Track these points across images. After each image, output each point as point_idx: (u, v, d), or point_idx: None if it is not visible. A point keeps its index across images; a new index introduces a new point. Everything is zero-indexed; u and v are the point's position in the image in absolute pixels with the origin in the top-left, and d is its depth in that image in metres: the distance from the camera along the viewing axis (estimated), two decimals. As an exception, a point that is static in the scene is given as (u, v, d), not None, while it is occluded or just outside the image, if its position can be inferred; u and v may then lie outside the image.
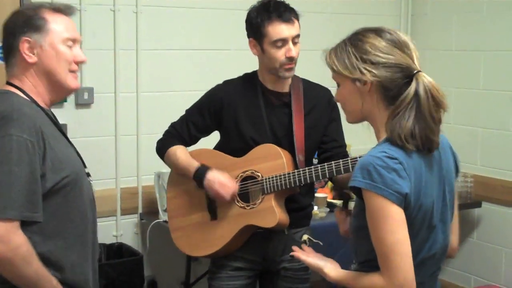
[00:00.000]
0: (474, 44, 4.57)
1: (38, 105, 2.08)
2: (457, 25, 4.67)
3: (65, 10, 2.14)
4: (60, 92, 2.16)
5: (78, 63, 2.14)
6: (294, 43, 2.80)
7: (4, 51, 2.13)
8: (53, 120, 2.14)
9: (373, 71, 1.86)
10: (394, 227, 1.79)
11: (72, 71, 2.12)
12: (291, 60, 2.79)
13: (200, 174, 2.86)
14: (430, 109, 1.84)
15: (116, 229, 4.06)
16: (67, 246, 2.06)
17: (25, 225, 1.94)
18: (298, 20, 2.84)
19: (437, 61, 4.74)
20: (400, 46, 1.89)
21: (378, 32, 1.91)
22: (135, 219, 4.14)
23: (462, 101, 4.62)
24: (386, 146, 1.86)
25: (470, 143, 4.58)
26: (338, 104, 2.07)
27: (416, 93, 1.83)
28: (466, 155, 4.54)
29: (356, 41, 1.90)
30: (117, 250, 3.93)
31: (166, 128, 3.09)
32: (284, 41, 2.78)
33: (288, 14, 2.79)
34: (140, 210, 4.13)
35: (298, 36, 2.82)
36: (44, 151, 1.97)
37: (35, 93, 2.09)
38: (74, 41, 2.13)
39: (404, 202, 1.81)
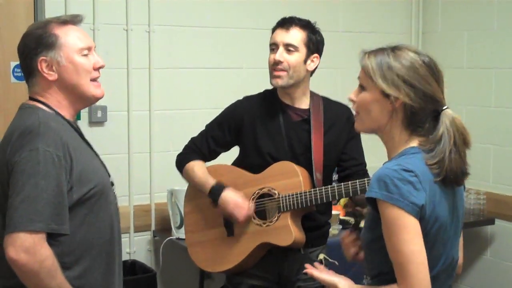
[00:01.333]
0: (486, 62, 4.57)
1: (63, 118, 2.11)
2: (468, 43, 4.68)
3: (73, 20, 2.16)
4: (84, 103, 2.20)
5: (98, 69, 2.17)
6: (288, 51, 2.82)
7: (24, 73, 2.16)
8: (79, 132, 2.16)
9: (410, 93, 1.88)
10: (410, 237, 1.81)
11: (93, 80, 2.15)
12: (277, 64, 2.81)
13: (215, 192, 2.88)
14: (461, 145, 1.90)
15: (129, 246, 4.07)
16: (93, 256, 2.08)
17: (53, 236, 1.96)
18: (306, 31, 2.85)
19: (448, 78, 4.66)
20: (438, 77, 1.93)
21: (420, 55, 1.93)
22: (148, 236, 4.15)
23: (474, 119, 4.62)
24: (402, 160, 1.88)
25: (483, 160, 4.57)
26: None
27: (450, 129, 1.89)
28: (478, 172, 4.53)
29: (400, 58, 1.91)
30: (130, 267, 3.94)
31: (179, 145, 3.11)
32: (276, 46, 2.83)
33: (287, 24, 2.84)
34: (153, 227, 4.13)
35: (292, 45, 2.82)
36: (70, 164, 1.99)
37: (59, 107, 2.12)
38: (89, 49, 2.15)
39: (420, 213, 1.83)
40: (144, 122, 4.08)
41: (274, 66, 2.82)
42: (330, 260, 2.92)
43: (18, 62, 3.60)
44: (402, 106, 1.90)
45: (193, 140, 3.06)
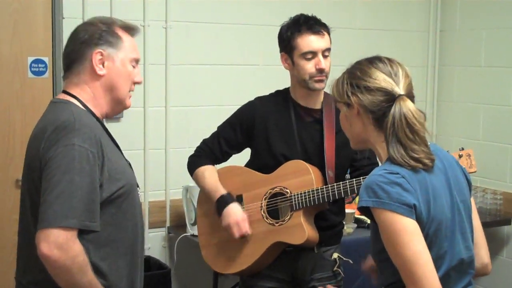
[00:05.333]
0: (504, 60, 4.54)
1: (94, 115, 2.12)
2: (486, 41, 4.65)
3: (133, 31, 2.20)
4: (117, 108, 2.21)
5: (136, 83, 2.20)
6: (324, 56, 2.81)
7: (67, 58, 2.15)
8: (107, 131, 2.17)
9: (358, 94, 1.93)
10: (409, 238, 1.79)
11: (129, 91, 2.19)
12: (321, 72, 2.79)
13: (222, 203, 2.89)
14: (405, 131, 1.88)
15: (144, 244, 4.08)
16: (119, 254, 2.09)
17: (81, 233, 1.96)
18: (329, 34, 2.85)
19: (466, 77, 4.71)
20: (389, 73, 1.93)
21: (371, 59, 1.98)
22: (163, 233, 4.16)
23: (491, 118, 4.59)
24: (387, 165, 1.90)
25: (500, 160, 4.54)
26: None
27: (393, 116, 1.88)
28: (495, 172, 4.50)
29: (352, 68, 1.99)
30: (144, 263, 3.93)
31: (195, 142, 3.11)
32: (313, 53, 2.78)
33: (317, 27, 2.80)
34: (168, 224, 4.15)
35: (328, 49, 2.83)
36: (102, 161, 2.00)
37: (93, 103, 2.13)
38: (137, 61, 2.19)
39: (415, 213, 1.82)
40: (160, 119, 4.09)
41: (318, 73, 2.79)
42: (344, 259, 2.92)
43: (35, 57, 3.71)
44: (361, 109, 1.93)
45: (205, 141, 3.05)
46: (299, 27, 2.81)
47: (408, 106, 1.88)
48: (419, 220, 1.83)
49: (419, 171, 1.88)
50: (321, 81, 2.82)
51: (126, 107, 2.22)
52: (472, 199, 2.05)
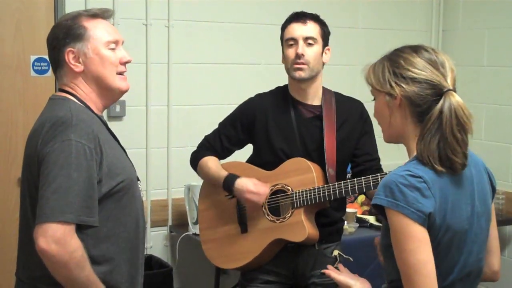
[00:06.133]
0: (506, 60, 4.54)
1: (92, 111, 2.13)
2: (489, 41, 4.65)
3: (102, 14, 2.18)
4: (111, 96, 2.20)
5: (124, 63, 2.19)
6: (308, 45, 2.83)
7: (51, 64, 2.19)
8: (107, 126, 2.18)
9: (403, 85, 1.85)
10: (416, 246, 1.76)
11: (119, 73, 2.17)
12: (299, 58, 2.81)
13: (228, 183, 2.88)
14: (453, 129, 1.81)
15: (146, 241, 4.08)
16: (119, 250, 2.09)
17: (80, 228, 1.97)
18: (318, 24, 2.88)
19: (469, 76, 4.71)
20: (435, 64, 1.86)
21: (415, 48, 1.90)
22: (165, 232, 4.16)
23: (494, 117, 4.59)
24: (411, 165, 1.84)
25: (502, 160, 4.54)
26: (373, 119, 2.05)
27: (441, 111, 1.81)
28: (497, 171, 4.44)
29: (393, 56, 1.90)
30: (146, 262, 3.95)
31: (196, 141, 3.12)
32: (295, 40, 2.83)
33: (303, 17, 2.86)
34: (170, 223, 4.15)
35: (312, 38, 2.84)
36: (100, 157, 2.01)
37: (88, 99, 2.14)
38: (116, 43, 2.17)
39: (427, 221, 1.78)
40: (162, 117, 4.09)
41: (296, 60, 2.82)
42: (344, 256, 2.93)
43: (38, 56, 3.72)
44: (404, 100, 1.85)
45: (206, 138, 3.08)
46: (289, 19, 2.90)
47: (458, 101, 1.81)
48: (432, 228, 1.79)
49: (444, 176, 1.82)
50: (300, 69, 2.82)
51: (122, 90, 2.19)
52: (492, 205, 2.00)
